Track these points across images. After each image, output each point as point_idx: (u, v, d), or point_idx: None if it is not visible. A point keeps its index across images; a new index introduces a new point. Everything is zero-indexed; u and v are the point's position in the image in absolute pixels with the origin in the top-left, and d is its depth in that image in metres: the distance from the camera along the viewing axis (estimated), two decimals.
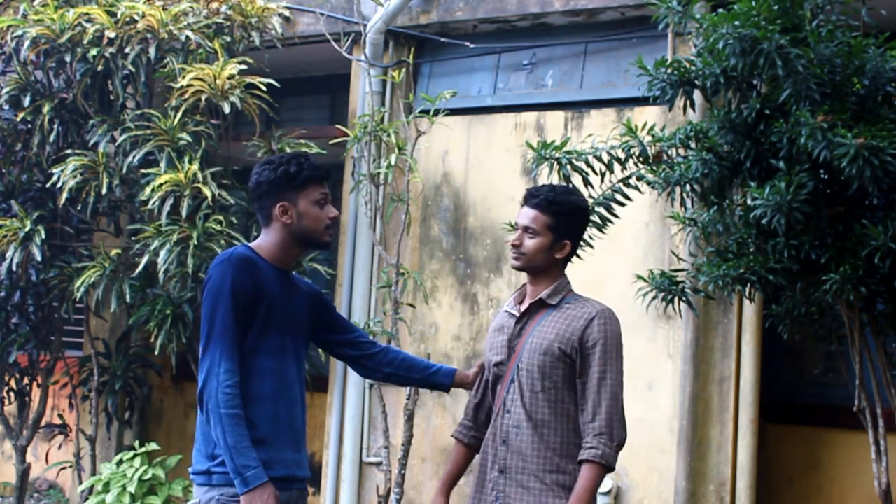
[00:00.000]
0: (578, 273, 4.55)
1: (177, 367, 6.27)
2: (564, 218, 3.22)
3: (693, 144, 4.04)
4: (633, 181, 4.18)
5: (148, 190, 5.69)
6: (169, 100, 5.94)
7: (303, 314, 3.25)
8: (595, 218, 4.22)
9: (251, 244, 3.20)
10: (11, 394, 6.95)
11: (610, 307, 3.22)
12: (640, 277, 4.16)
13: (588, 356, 3.10)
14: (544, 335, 3.16)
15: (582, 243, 4.26)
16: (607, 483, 5.47)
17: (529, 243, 3.22)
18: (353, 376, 6.37)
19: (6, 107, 6.42)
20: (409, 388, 5.57)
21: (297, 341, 3.20)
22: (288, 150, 6.09)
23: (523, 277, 6.33)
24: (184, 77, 5.80)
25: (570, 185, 3.48)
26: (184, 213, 5.67)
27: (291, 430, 3.11)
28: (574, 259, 4.28)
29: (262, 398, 3.03)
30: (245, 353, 3.02)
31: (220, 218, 5.72)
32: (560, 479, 3.08)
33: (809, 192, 3.53)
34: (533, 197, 3.25)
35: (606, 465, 3.04)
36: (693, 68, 3.87)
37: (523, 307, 3.28)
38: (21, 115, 6.26)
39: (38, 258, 6.06)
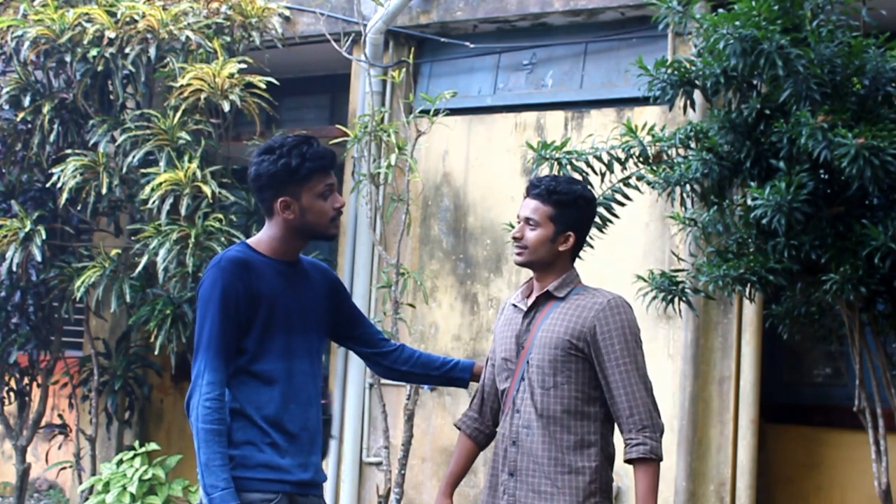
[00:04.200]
0: (579, 273, 4.56)
1: (177, 367, 6.26)
2: (566, 208, 3.06)
3: (693, 144, 4.04)
4: (633, 181, 4.18)
5: (148, 189, 5.69)
6: (168, 99, 5.94)
7: (315, 307, 3.07)
8: (595, 218, 4.22)
9: (251, 239, 3.06)
10: (11, 394, 6.95)
11: (621, 294, 3.09)
12: (640, 277, 4.17)
13: (604, 348, 2.96)
14: (553, 328, 3.02)
15: (588, 237, 4.28)
16: None
17: (531, 235, 3.06)
18: (354, 376, 6.37)
19: (6, 107, 6.41)
20: (409, 387, 5.57)
21: (308, 339, 3.04)
22: None
23: (524, 276, 6.31)
24: (183, 76, 5.80)
25: (573, 176, 3.28)
26: (183, 213, 5.67)
27: (306, 433, 2.98)
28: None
29: (270, 402, 2.92)
30: (249, 359, 2.92)
31: (220, 216, 5.72)
32: (573, 481, 2.96)
33: (809, 192, 3.53)
34: (534, 187, 3.09)
35: (658, 458, 2.94)
36: (693, 68, 3.87)
37: (530, 301, 3.13)
38: (21, 115, 6.25)
39: (38, 258, 6.05)
